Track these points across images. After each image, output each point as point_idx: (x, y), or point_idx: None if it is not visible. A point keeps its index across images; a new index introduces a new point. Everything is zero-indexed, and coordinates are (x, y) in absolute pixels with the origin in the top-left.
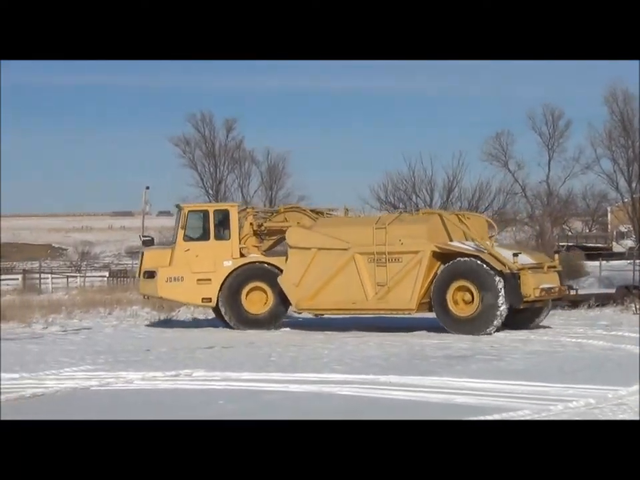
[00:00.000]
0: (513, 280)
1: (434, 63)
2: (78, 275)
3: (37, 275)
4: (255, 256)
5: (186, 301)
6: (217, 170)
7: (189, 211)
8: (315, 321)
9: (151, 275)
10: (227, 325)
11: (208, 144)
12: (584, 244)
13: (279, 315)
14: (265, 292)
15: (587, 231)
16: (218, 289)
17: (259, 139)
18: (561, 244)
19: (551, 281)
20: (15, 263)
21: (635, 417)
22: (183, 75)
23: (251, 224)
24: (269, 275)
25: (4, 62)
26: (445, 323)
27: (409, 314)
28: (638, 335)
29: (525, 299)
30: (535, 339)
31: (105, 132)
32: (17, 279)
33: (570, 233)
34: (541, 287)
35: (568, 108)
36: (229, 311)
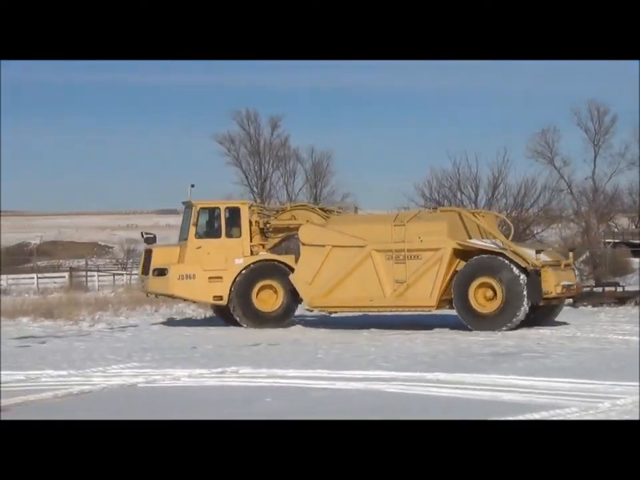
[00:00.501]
0: (535, 277)
1: (476, 62)
2: (124, 272)
3: (84, 273)
4: (265, 254)
5: (197, 299)
6: (262, 168)
7: (201, 208)
8: (327, 319)
9: (161, 272)
10: (229, 323)
11: (253, 142)
12: (630, 240)
13: (289, 313)
14: (276, 290)
15: (633, 227)
16: (229, 286)
17: (303, 136)
18: (607, 240)
19: (569, 278)
20: (61, 261)
21: None
22: (229, 73)
23: (256, 222)
24: (279, 273)
25: (49, 62)
26: (466, 319)
27: (429, 311)
28: None
29: (545, 296)
30: (582, 336)
31: (150, 130)
32: (64, 277)
33: (616, 230)
34: (562, 284)
35: (613, 103)
36: (239, 309)
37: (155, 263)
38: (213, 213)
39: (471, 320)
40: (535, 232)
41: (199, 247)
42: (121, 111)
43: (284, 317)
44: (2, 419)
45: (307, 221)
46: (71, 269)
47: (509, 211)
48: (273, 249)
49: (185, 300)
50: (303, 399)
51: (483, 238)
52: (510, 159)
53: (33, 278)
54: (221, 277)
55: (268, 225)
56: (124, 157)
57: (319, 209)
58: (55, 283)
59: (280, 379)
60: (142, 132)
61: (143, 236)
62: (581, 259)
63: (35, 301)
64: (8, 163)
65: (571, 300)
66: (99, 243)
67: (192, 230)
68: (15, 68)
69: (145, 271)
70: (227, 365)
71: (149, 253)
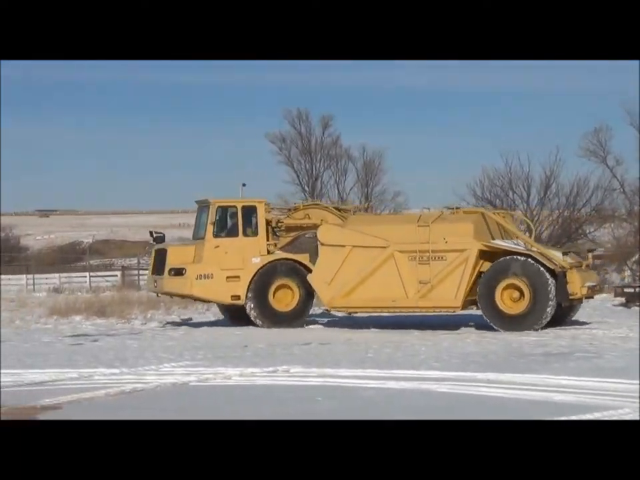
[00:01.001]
0: (562, 278)
1: (529, 63)
2: None
3: (136, 272)
4: (280, 253)
5: (215, 299)
6: (313, 167)
7: (219, 207)
8: (345, 320)
9: (178, 272)
10: (236, 324)
11: (304, 141)
12: None
13: (305, 312)
14: (292, 289)
15: None
16: (247, 286)
17: (355, 135)
18: None
19: (591, 278)
20: (113, 259)
21: None
22: (281, 72)
23: (270, 220)
24: (295, 272)
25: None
26: (493, 320)
27: (454, 312)
28: None
29: (571, 297)
30: (634, 336)
31: (203, 129)
32: (116, 276)
33: None
34: (586, 285)
35: None
36: (257, 309)
37: (171, 263)
38: (230, 211)
39: (497, 321)
40: (587, 232)
41: (217, 246)
42: (174, 110)
43: (299, 316)
44: (51, 418)
45: (322, 220)
46: (123, 268)
47: (561, 210)
48: (283, 248)
49: (200, 300)
50: (354, 399)
51: (504, 238)
52: (562, 158)
53: (86, 277)
54: (238, 277)
55: (280, 224)
56: (176, 156)
57: (334, 208)
58: (107, 281)
59: (331, 378)
60: (195, 131)
61: (152, 235)
62: (634, 259)
63: (87, 300)
64: (64, 161)
65: (623, 299)
66: (151, 242)
67: (210, 229)
68: (73, 67)
69: (157, 271)
70: (278, 363)
71: (162, 252)
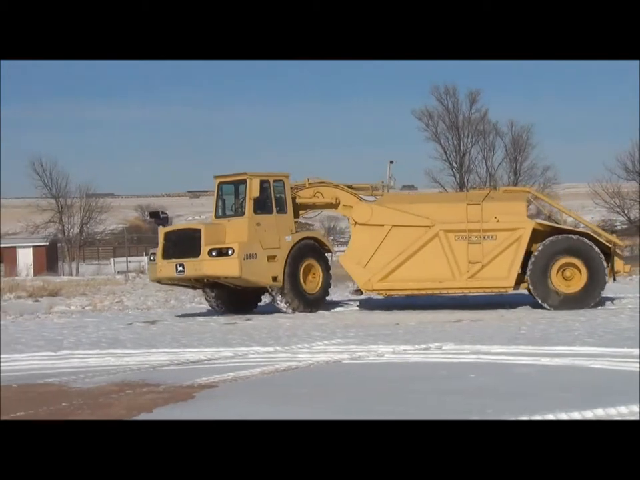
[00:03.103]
0: (612, 257)
1: None
2: None
3: None
4: (305, 231)
5: (258, 282)
6: (461, 142)
7: (261, 180)
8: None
9: (221, 252)
10: (220, 312)
11: (451, 116)
12: None
13: (326, 294)
14: (315, 270)
15: None
16: (283, 266)
17: (503, 110)
18: None
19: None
20: None
21: None
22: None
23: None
24: (316, 252)
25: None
26: (546, 299)
27: (505, 291)
28: None
29: (616, 274)
30: None
31: (352, 106)
32: None
33: None
34: (627, 263)
35: None
36: (291, 291)
37: (210, 242)
38: (263, 186)
39: (552, 300)
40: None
41: (258, 224)
42: (321, 85)
43: (322, 299)
44: (207, 396)
45: (336, 199)
46: None
47: None
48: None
49: (239, 284)
50: (507, 375)
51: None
52: None
53: None
54: (275, 256)
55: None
56: (323, 132)
57: (346, 186)
58: None
59: (484, 354)
60: (344, 109)
61: (159, 216)
62: None
63: None
64: (214, 143)
65: None
66: (300, 220)
67: (250, 205)
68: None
69: (180, 253)
70: (430, 341)
71: (184, 233)
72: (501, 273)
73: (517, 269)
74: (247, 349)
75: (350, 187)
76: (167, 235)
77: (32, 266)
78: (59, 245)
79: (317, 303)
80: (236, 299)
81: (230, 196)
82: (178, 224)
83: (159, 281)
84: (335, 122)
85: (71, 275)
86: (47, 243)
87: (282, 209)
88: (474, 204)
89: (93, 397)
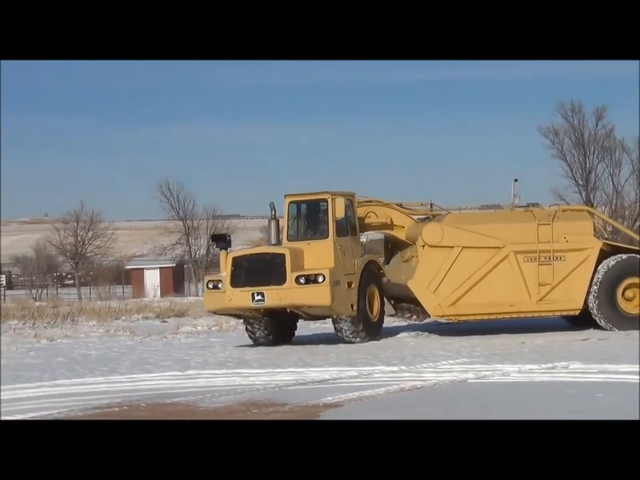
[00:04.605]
0: None
1: None
2: None
3: None
4: (368, 255)
5: (341, 311)
6: (587, 159)
7: (346, 199)
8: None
9: (308, 279)
10: (257, 343)
11: (577, 133)
12: None
13: (382, 321)
14: (375, 295)
15: None
16: (357, 293)
17: (629, 126)
18: None
19: None
20: None
21: None
22: (553, 66)
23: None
24: (376, 276)
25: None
26: (612, 321)
27: (574, 314)
28: None
29: None
30: None
31: (474, 126)
32: None
33: None
34: None
35: None
36: (362, 320)
37: (295, 269)
38: (348, 205)
39: (617, 321)
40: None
41: (341, 246)
42: (441, 105)
43: (380, 326)
44: (332, 417)
45: (390, 219)
46: None
47: None
48: None
49: (322, 316)
50: (636, 395)
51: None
52: None
53: None
54: (352, 283)
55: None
56: (443, 152)
57: (396, 205)
58: None
59: (611, 374)
60: (466, 125)
61: (226, 239)
62: None
63: None
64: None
65: None
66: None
67: (332, 226)
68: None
69: (256, 281)
70: (556, 360)
71: (268, 257)
72: (570, 295)
73: (585, 290)
74: (371, 368)
75: (400, 205)
76: (236, 260)
77: (159, 287)
78: (185, 266)
79: (377, 329)
80: (281, 327)
81: (303, 217)
82: (247, 248)
83: (216, 312)
84: (455, 144)
85: (197, 295)
86: (174, 265)
87: (354, 231)
88: (544, 224)
89: (220, 416)
